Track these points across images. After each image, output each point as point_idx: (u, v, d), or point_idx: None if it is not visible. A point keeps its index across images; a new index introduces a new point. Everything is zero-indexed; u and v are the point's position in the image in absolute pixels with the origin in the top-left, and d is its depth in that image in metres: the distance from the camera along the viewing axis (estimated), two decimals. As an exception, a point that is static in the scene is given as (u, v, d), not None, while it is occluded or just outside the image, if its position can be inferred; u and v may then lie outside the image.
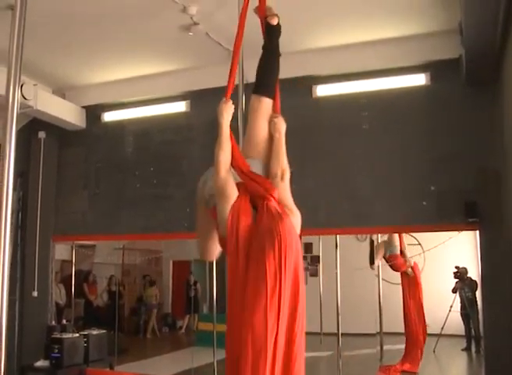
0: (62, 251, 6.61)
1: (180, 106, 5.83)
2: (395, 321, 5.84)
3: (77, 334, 5.88)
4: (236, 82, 3.16)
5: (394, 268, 6.00)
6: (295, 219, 2.33)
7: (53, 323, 6.12)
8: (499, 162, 4.19)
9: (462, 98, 4.62)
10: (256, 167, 2.48)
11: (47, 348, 5.64)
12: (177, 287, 8.80)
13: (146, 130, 5.95)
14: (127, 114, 6.09)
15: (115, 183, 6.01)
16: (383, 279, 5.98)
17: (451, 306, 5.76)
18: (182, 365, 6.29)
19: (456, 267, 5.77)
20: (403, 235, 5.92)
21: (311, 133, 5.10)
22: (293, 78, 4.72)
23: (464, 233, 4.84)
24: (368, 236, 5.89)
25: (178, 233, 5.48)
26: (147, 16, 4.33)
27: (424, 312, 5.75)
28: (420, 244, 5.86)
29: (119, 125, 6.11)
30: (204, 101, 5.39)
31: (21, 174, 6.05)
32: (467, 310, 5.70)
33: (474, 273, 5.39)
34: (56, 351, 5.54)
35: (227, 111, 2.50)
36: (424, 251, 5.85)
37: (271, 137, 2.56)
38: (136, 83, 5.77)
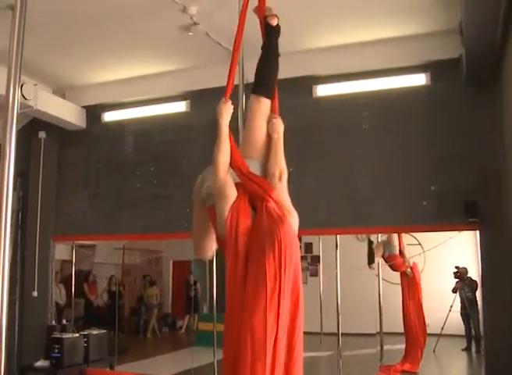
0: (62, 251, 6.61)
1: (180, 106, 5.83)
2: (395, 321, 5.84)
3: (77, 334, 5.88)
4: (236, 82, 3.17)
5: (393, 268, 6.00)
6: (293, 219, 2.34)
7: (53, 323, 6.11)
8: (499, 162, 4.19)
9: (462, 98, 4.62)
10: (254, 167, 2.48)
11: (47, 348, 5.64)
12: (177, 287, 8.80)
13: (146, 130, 5.95)
14: (127, 114, 6.09)
15: (116, 183, 6.01)
16: (383, 279, 5.97)
17: (451, 306, 5.76)
18: (182, 365, 6.28)
19: (457, 267, 5.76)
20: (403, 235, 5.92)
21: (311, 133, 5.10)
22: (293, 78, 4.72)
23: (464, 233, 4.84)
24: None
25: (178, 233, 5.46)
26: (147, 16, 4.34)
27: (425, 312, 5.75)
28: (420, 244, 5.85)
29: (119, 125, 6.11)
30: (204, 101, 5.38)
31: (21, 174, 6.04)
32: (467, 310, 5.70)
33: (475, 273, 5.39)
34: (56, 351, 5.54)
35: (226, 111, 2.50)
36: (424, 251, 5.85)
37: (269, 138, 2.56)
38: (136, 83, 5.77)
